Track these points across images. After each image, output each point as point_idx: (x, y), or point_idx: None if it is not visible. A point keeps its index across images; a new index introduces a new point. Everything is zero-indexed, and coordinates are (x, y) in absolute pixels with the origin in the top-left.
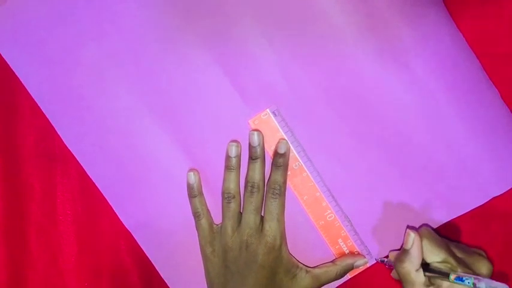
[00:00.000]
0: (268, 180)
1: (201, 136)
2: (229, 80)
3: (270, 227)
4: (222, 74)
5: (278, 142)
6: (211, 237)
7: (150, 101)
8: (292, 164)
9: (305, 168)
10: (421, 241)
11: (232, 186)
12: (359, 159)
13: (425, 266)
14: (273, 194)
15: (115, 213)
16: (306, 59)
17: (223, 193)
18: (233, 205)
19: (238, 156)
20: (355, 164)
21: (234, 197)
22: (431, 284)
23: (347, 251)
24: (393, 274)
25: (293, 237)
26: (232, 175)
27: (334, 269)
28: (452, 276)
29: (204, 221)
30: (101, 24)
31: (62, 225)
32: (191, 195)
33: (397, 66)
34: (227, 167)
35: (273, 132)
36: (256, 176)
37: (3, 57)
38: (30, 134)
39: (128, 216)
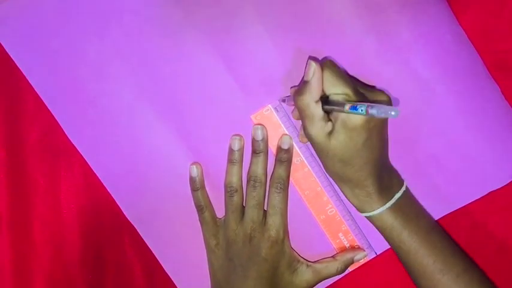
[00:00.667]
0: (272, 175)
1: (204, 131)
2: (231, 76)
3: (274, 221)
4: (224, 69)
5: (281, 137)
6: (215, 230)
7: (153, 95)
8: (293, 159)
9: (306, 163)
10: (322, 72)
11: (234, 179)
12: None
13: (324, 100)
14: (276, 188)
15: (118, 206)
16: (308, 55)
17: (225, 186)
18: (236, 198)
19: (241, 150)
20: None
21: (236, 191)
22: (329, 119)
23: (348, 245)
24: (294, 114)
25: (294, 231)
26: (235, 168)
27: (334, 265)
28: (347, 106)
29: (207, 214)
30: (104, 19)
31: (66, 219)
32: (193, 189)
33: (397, 62)
34: (230, 161)
35: (275, 127)
36: (259, 170)
37: (7, 52)
38: (34, 129)
39: (131, 209)
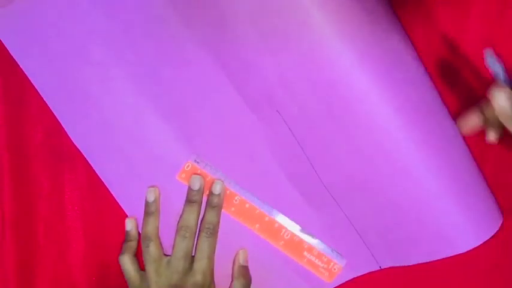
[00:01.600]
0: (203, 220)
1: (208, 135)
2: (230, 83)
3: (201, 265)
4: (224, 75)
5: (213, 183)
6: (138, 283)
7: (156, 98)
8: (231, 199)
9: (245, 199)
10: None
11: (150, 228)
12: (358, 164)
13: None
14: (206, 233)
15: (122, 209)
16: (304, 66)
17: (143, 237)
18: (153, 249)
19: (158, 200)
20: (355, 171)
21: (153, 240)
22: None
23: (316, 260)
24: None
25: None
26: (152, 218)
27: (235, 284)
28: None
29: (134, 273)
30: (107, 23)
31: (70, 221)
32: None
33: (398, 76)
34: (146, 213)
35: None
36: (192, 220)
37: (11, 54)
38: (37, 131)
39: (134, 212)
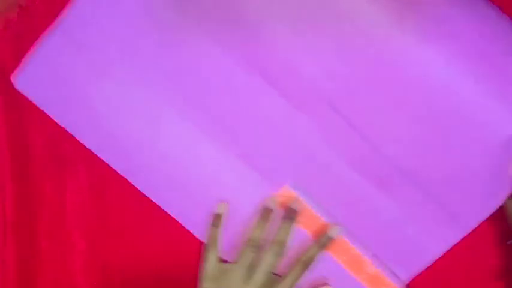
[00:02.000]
0: (304, 254)
1: (265, 146)
2: (273, 88)
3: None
4: (265, 82)
5: (330, 227)
6: (214, 274)
7: (203, 118)
8: (346, 248)
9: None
10: None
11: (262, 236)
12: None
13: None
14: (303, 267)
15: (124, 213)
16: (348, 52)
17: (249, 238)
18: (253, 255)
19: (273, 211)
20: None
21: (257, 247)
22: None
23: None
24: None
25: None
26: (266, 226)
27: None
28: None
29: (212, 254)
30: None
31: (71, 225)
32: (214, 224)
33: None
34: (263, 217)
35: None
36: (286, 237)
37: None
38: (39, 137)
39: (185, 213)
